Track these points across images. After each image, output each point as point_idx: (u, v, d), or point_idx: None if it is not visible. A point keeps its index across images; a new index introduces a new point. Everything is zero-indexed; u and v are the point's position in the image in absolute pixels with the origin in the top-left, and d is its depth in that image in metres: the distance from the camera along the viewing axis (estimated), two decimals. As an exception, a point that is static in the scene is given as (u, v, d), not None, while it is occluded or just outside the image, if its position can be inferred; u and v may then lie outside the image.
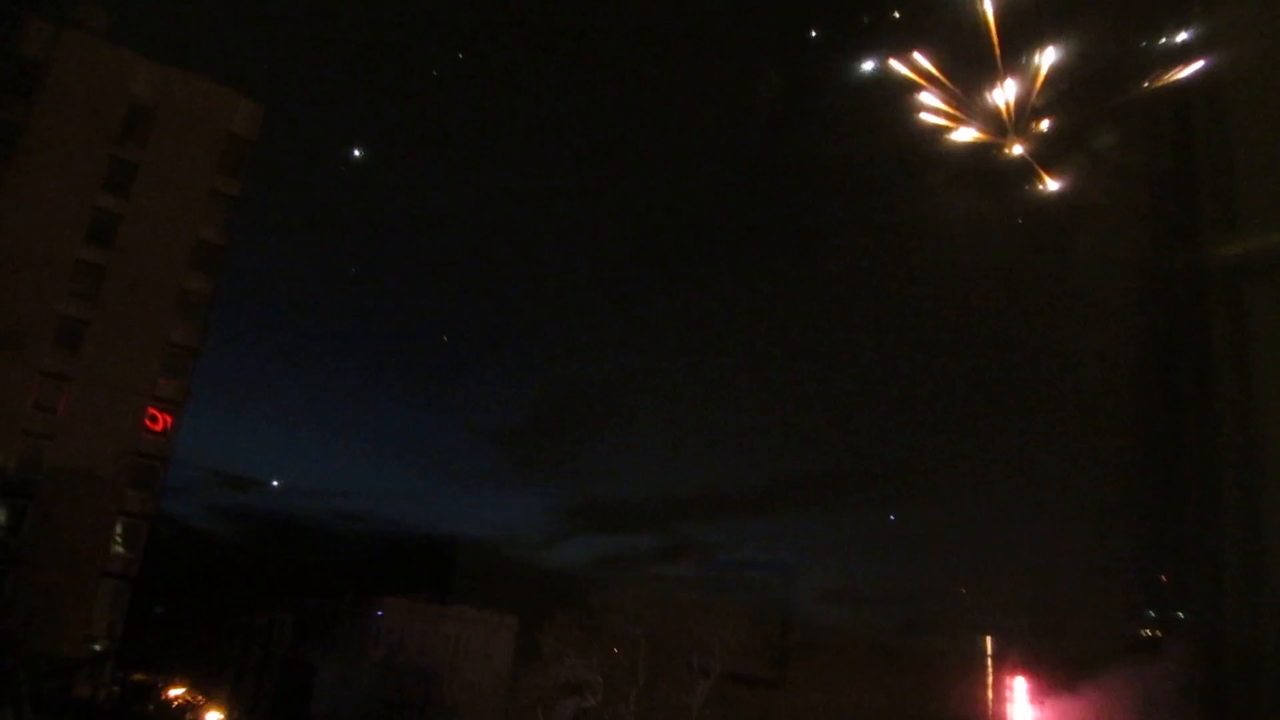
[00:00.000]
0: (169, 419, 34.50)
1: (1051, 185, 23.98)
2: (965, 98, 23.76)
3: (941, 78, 23.35)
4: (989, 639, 31.53)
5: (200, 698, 36.23)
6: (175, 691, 35.81)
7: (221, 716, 35.75)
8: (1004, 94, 23.43)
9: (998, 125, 24.28)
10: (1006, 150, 24.31)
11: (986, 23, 22.09)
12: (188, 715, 32.19)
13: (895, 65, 23.33)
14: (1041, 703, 30.00)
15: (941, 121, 23.73)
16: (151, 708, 31.93)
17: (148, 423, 34.04)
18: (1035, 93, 23.25)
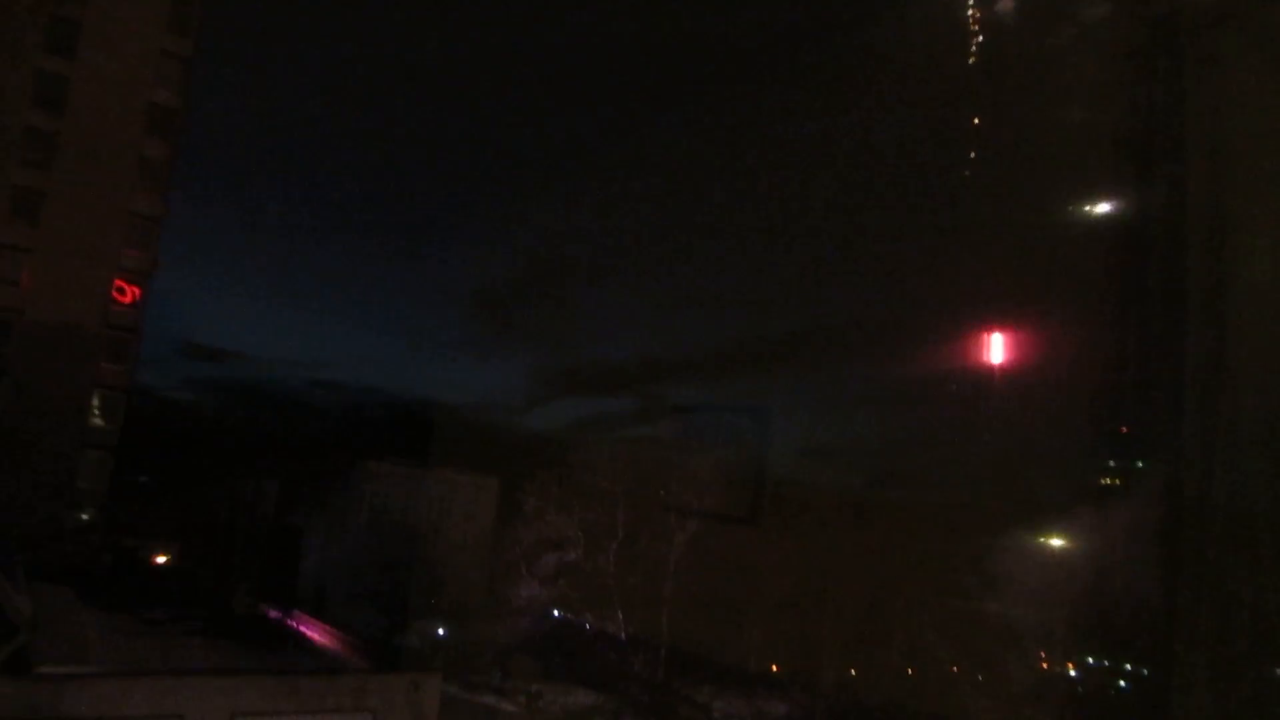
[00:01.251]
0: (137, 290, 34.09)
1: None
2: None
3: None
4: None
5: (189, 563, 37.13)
6: (162, 559, 36.61)
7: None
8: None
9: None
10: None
11: None
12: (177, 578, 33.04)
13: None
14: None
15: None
16: (144, 571, 32.72)
17: (116, 295, 33.67)
18: None
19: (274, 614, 25.21)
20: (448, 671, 41.66)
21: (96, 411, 33.40)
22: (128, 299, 33.87)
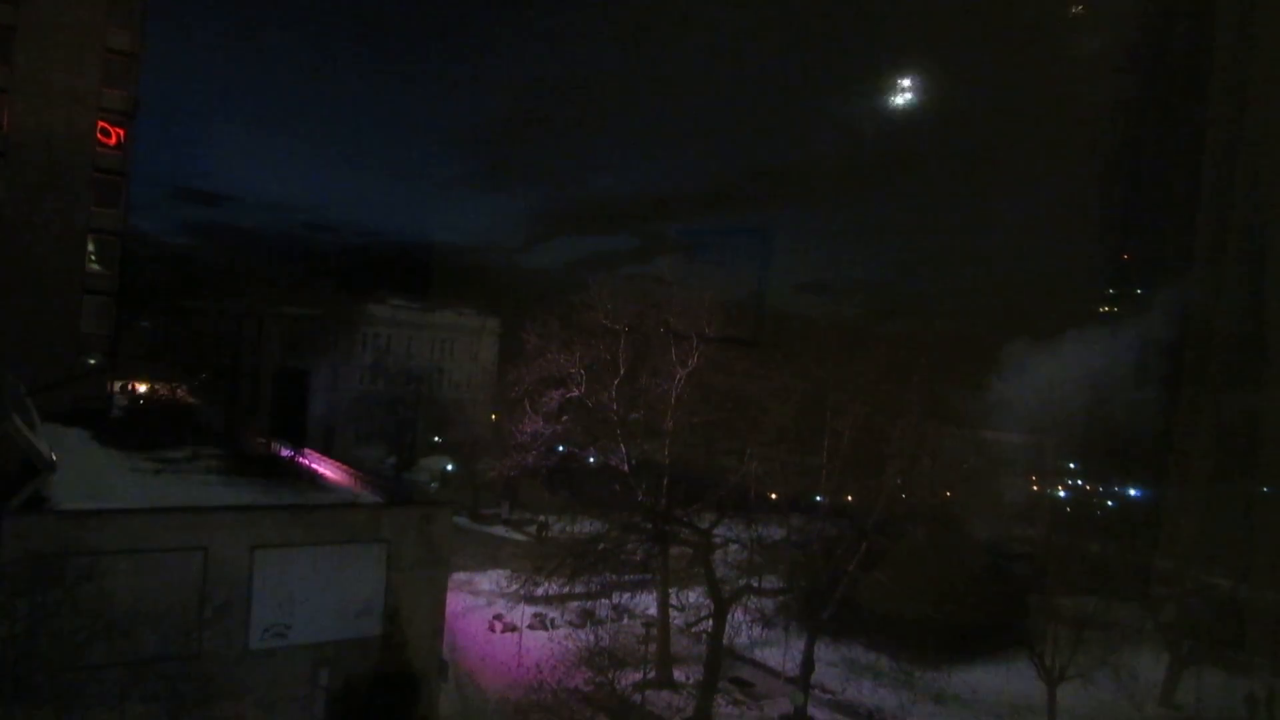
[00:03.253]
0: (121, 131, 33.24)
1: None
2: None
3: None
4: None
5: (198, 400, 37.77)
6: (173, 401, 37.18)
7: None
8: None
9: None
10: None
11: None
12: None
13: None
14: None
15: None
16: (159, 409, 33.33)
17: (100, 137, 32.90)
18: None
19: (286, 452, 25.79)
20: (458, 505, 43.18)
21: (93, 257, 33.22)
22: (113, 140, 33.06)
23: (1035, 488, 33.80)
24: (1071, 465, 33.50)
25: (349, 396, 62.32)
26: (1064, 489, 33.85)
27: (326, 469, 24.09)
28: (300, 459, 25.04)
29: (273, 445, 26.29)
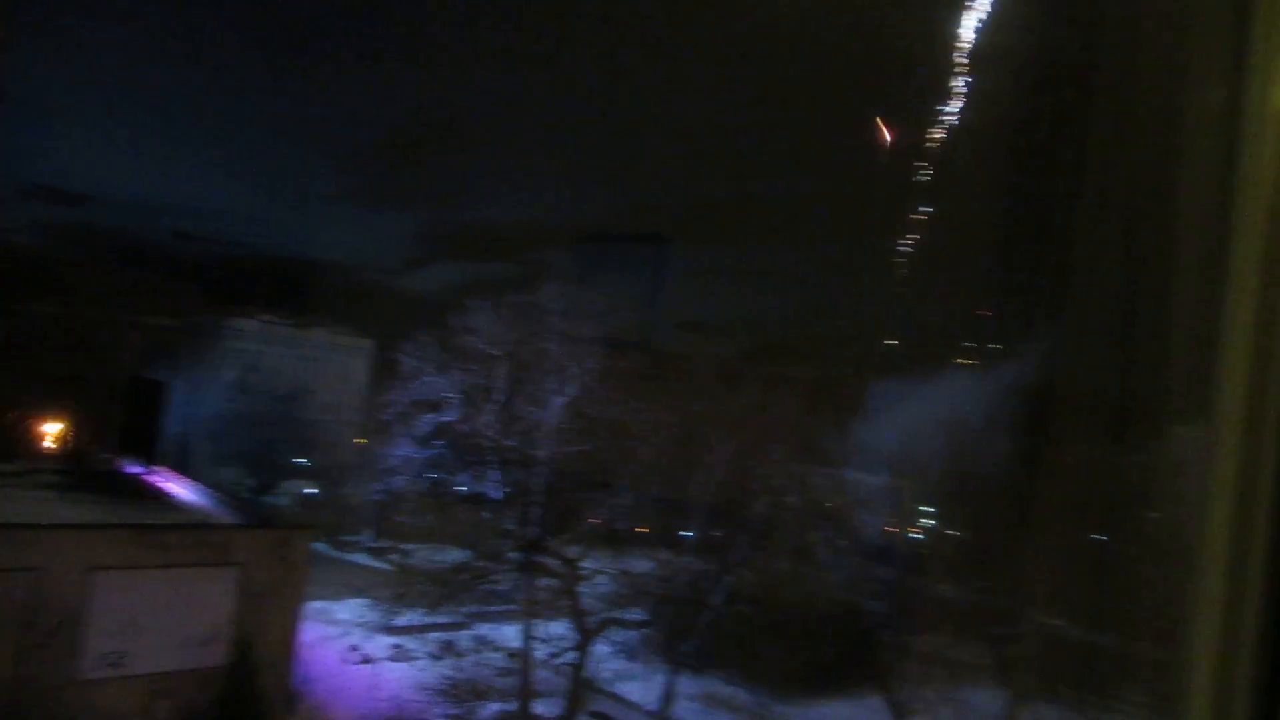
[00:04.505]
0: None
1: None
2: None
3: None
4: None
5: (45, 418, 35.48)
6: (13, 411, 34.84)
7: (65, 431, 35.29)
8: None
9: None
10: None
11: None
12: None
13: None
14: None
15: None
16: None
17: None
18: None
19: (134, 469, 24.48)
20: (319, 530, 41.72)
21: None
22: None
23: (893, 529, 35.08)
24: (926, 508, 34.94)
25: (208, 413, 59.52)
26: (917, 531, 35.25)
27: (178, 488, 22.94)
28: (150, 477, 23.79)
29: (120, 461, 24.91)
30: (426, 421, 31.90)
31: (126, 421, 36.37)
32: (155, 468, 24.73)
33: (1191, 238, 2.32)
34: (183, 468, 28.79)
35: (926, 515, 34.39)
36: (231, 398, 63.36)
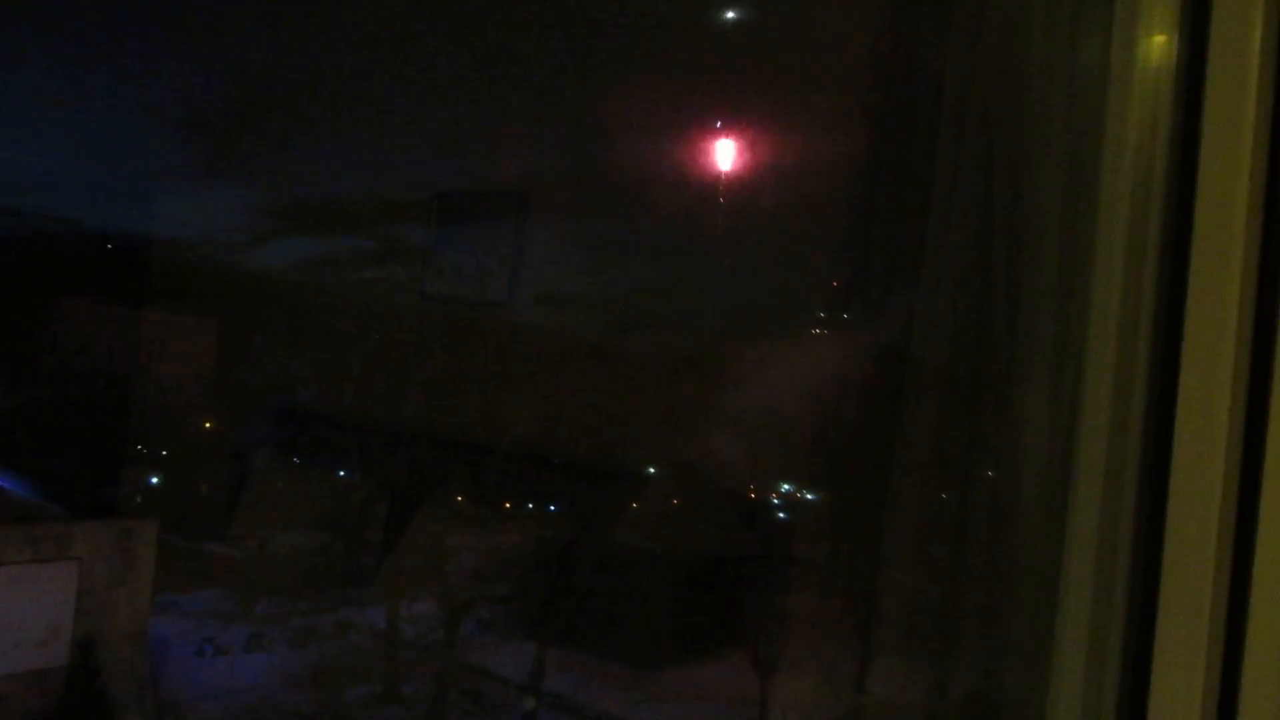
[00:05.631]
0: None
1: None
2: None
3: None
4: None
5: None
6: None
7: None
8: None
9: None
10: None
11: None
12: None
13: None
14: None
15: None
16: None
17: None
18: None
19: (-48, 462, 22.64)
20: (165, 520, 39.62)
21: None
22: None
23: (753, 495, 36.12)
24: (787, 472, 36.09)
25: (34, 402, 55.43)
26: (778, 496, 36.40)
27: (4, 479, 21.36)
28: (-30, 470, 22.06)
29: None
30: (278, 401, 30.78)
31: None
32: (-24, 460, 22.92)
33: (1055, 196, 2.40)
34: (6, 459, 26.74)
35: (787, 479, 35.56)
36: (60, 384, 59.23)
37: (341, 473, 31.42)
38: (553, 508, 33.02)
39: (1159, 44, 1.83)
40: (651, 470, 32.09)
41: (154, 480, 51.92)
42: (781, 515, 35.88)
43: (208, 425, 51.16)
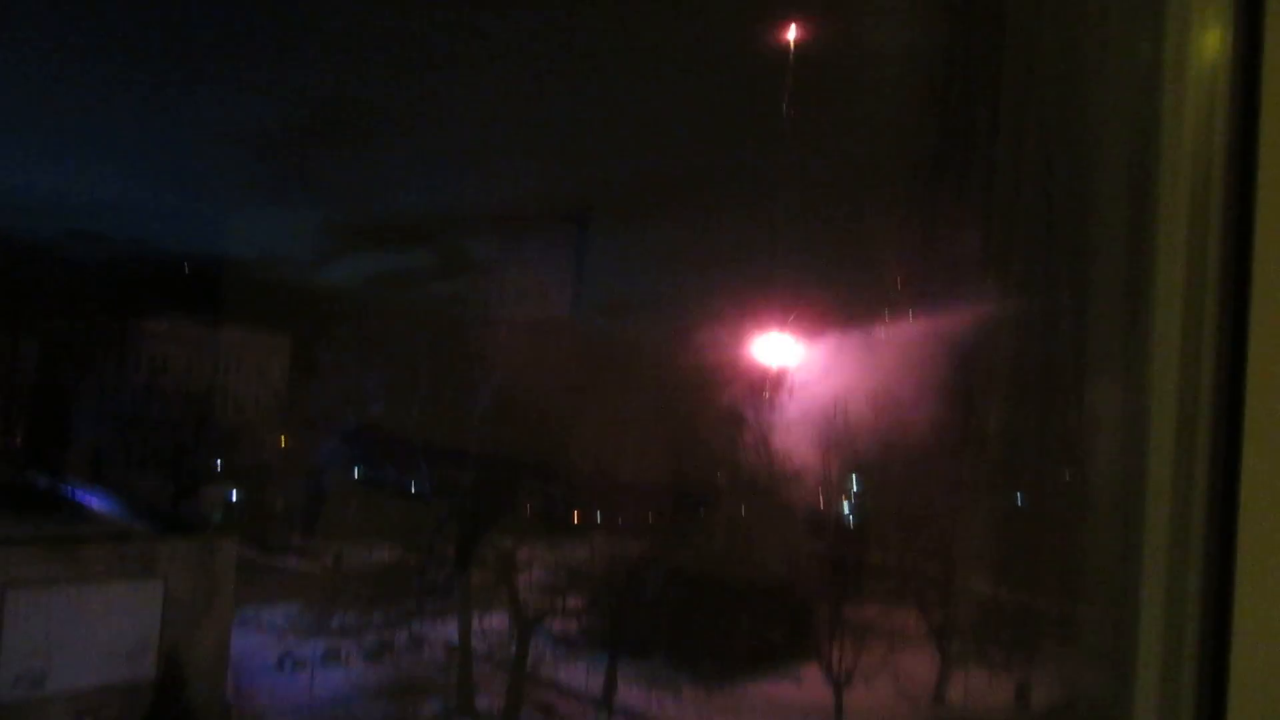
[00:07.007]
0: None
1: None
2: None
3: None
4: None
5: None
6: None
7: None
8: None
9: None
10: None
11: None
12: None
13: None
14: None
15: None
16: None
17: None
18: None
19: (44, 482, 23.54)
20: (244, 535, 40.64)
21: None
22: None
23: (823, 500, 35.69)
24: (855, 478, 35.62)
25: (121, 419, 57.44)
26: (847, 500, 35.91)
27: (94, 499, 22.13)
28: (63, 487, 22.90)
29: (31, 474, 23.92)
30: (350, 417, 31.33)
31: (33, 431, 34.84)
32: (67, 477, 23.79)
33: (1116, 195, 2.36)
34: (97, 477, 27.73)
35: (855, 485, 35.08)
36: (144, 402, 61.21)
37: (414, 489, 31.83)
38: (622, 518, 33.06)
39: (1212, 42, 1.78)
40: (719, 485, 31.96)
41: (233, 496, 53.24)
42: (852, 523, 35.42)
43: (283, 441, 52.40)
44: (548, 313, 32.23)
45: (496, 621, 33.62)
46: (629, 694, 32.95)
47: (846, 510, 36.68)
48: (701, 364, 32.71)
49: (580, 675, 32.69)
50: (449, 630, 34.19)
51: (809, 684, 33.10)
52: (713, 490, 32.09)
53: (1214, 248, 1.76)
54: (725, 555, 31.93)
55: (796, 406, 34.03)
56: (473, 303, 33.13)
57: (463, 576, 31.41)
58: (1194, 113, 1.84)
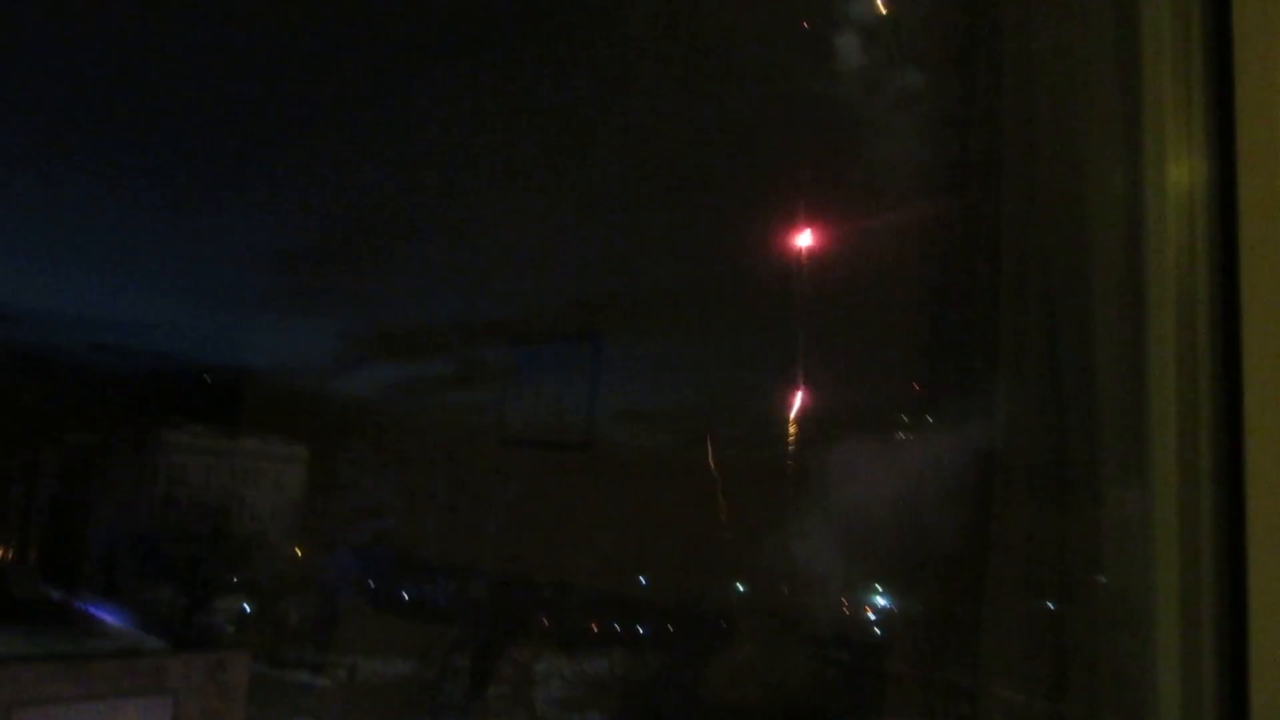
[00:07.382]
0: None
1: None
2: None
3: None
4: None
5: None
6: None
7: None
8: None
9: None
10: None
11: None
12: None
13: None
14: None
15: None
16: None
17: None
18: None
19: (58, 596, 23.42)
20: (256, 649, 40.06)
21: None
22: None
23: (845, 610, 34.94)
24: (877, 586, 34.95)
25: (136, 531, 57.30)
26: (870, 611, 35.15)
27: (105, 613, 21.96)
28: (75, 602, 22.76)
29: (43, 588, 23.82)
30: (366, 529, 31.24)
31: (48, 544, 34.82)
32: (80, 592, 23.69)
33: (1109, 313, 2.46)
34: (110, 590, 27.59)
35: (878, 594, 34.39)
36: (159, 513, 61.08)
37: (430, 601, 31.49)
38: (641, 630, 32.44)
39: (1187, 171, 1.93)
40: (735, 606, 31.40)
41: (246, 608, 52.67)
42: (877, 632, 34.56)
43: (298, 552, 52.08)
44: (562, 441, 32.30)
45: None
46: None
47: (871, 619, 35.89)
48: (720, 474, 32.54)
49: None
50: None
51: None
52: (733, 600, 31.55)
53: (1204, 361, 1.83)
54: (746, 668, 31.19)
55: (818, 514, 33.67)
56: (489, 413, 33.32)
57: (478, 690, 30.79)
58: (1175, 232, 1.95)
